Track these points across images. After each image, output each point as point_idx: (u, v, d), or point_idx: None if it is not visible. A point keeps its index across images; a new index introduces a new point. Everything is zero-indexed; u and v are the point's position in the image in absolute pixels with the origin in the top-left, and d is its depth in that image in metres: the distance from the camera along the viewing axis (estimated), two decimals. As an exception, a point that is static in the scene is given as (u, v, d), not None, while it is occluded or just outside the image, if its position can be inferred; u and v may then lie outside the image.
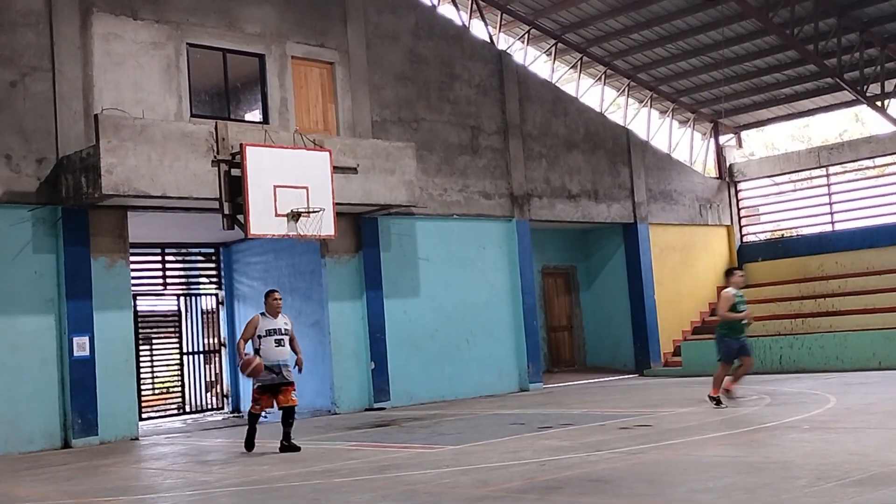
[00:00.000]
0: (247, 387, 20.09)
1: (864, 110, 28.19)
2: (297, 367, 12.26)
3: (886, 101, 23.39)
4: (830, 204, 25.44)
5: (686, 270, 24.93)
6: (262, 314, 12.21)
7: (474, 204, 20.27)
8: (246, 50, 17.46)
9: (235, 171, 15.07)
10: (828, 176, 25.52)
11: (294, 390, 12.13)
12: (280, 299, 12.35)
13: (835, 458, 8.66)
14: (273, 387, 11.99)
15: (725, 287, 14.44)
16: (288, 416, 11.96)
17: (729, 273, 14.84)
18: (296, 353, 12.31)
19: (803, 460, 8.70)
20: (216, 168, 15.04)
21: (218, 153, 15.06)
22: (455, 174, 20.02)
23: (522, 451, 10.51)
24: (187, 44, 16.69)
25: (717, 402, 13.83)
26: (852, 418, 11.91)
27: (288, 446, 11.83)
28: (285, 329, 12.15)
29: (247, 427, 12.38)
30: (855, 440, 9.90)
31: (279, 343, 12.03)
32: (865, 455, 8.80)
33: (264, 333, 12.03)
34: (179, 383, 19.68)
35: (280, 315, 12.23)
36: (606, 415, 13.98)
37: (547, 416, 14.46)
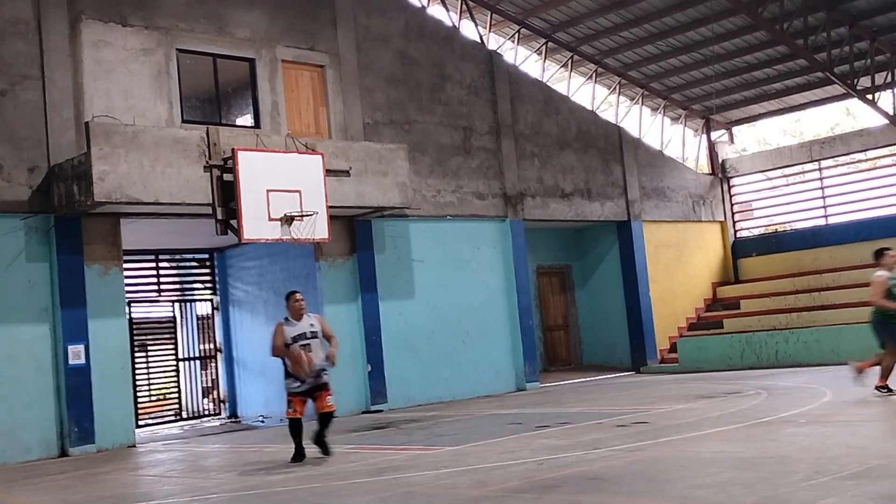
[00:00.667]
0: (243, 392, 20.10)
1: (854, 104, 28.24)
2: (328, 361, 11.36)
3: (877, 95, 23.42)
4: (823, 198, 25.47)
5: (681, 267, 24.96)
6: (286, 319, 11.39)
7: (468, 205, 20.27)
8: (236, 54, 17.45)
9: (228, 176, 15.04)
10: (820, 170, 25.57)
11: (330, 394, 11.39)
12: (302, 300, 11.46)
13: (832, 452, 8.67)
14: (307, 392, 11.32)
15: (875, 268, 13.28)
16: (325, 423, 11.35)
17: (879, 254, 13.34)
18: (329, 344, 11.46)
19: (800, 454, 8.71)
20: (208, 173, 15.02)
21: (210, 158, 15.04)
22: (448, 175, 20.02)
23: (520, 451, 10.51)
24: (177, 49, 16.67)
25: (889, 390, 12.77)
26: (848, 412, 11.94)
27: (321, 443, 11.26)
28: (311, 332, 11.28)
29: (291, 437, 11.37)
30: (851, 433, 9.91)
31: (306, 349, 11.18)
32: (862, 448, 8.82)
33: (290, 341, 11.19)
34: (176, 390, 19.64)
35: (305, 317, 11.39)
36: (604, 413, 13.98)
37: (544, 416, 14.46)
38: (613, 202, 23.41)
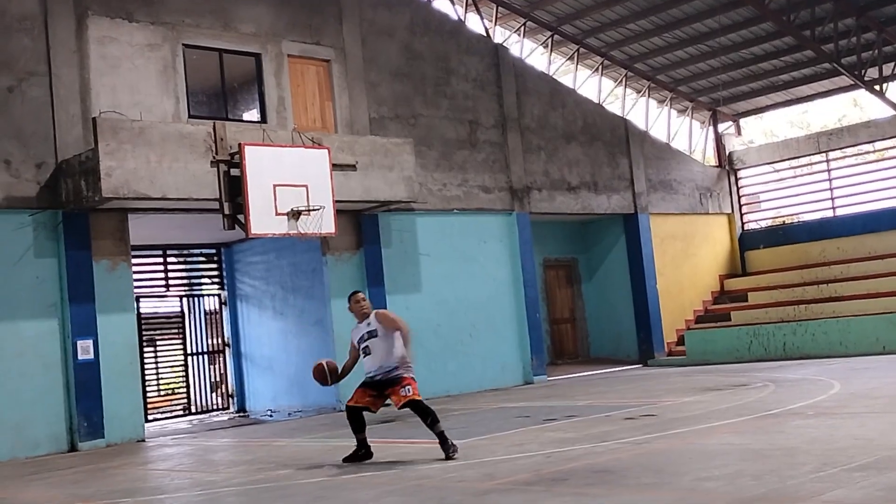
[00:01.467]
0: (251, 386, 20.16)
1: (862, 95, 28.15)
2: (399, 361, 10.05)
3: (884, 85, 23.36)
4: (831, 189, 25.43)
5: (687, 260, 24.93)
6: (357, 324, 10.38)
7: (474, 198, 20.26)
8: (242, 49, 17.46)
9: (234, 171, 15.07)
10: (827, 161, 25.52)
11: (407, 384, 9.89)
12: (362, 300, 10.36)
13: (840, 444, 8.66)
14: (376, 385, 10.08)
15: None
16: (418, 414, 9.91)
17: None
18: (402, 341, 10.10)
19: (808, 446, 8.70)
20: (215, 168, 15.04)
21: (217, 153, 15.06)
22: (454, 169, 20.02)
23: (528, 444, 10.52)
24: (183, 45, 16.68)
25: None
26: (856, 403, 11.92)
27: (445, 452, 9.79)
28: (368, 333, 10.09)
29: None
30: (859, 425, 9.90)
31: (366, 352, 10.08)
32: (870, 440, 8.81)
33: (357, 345, 10.26)
34: (184, 384, 19.70)
35: (368, 317, 10.24)
36: (611, 406, 13.98)
37: (551, 409, 14.47)
38: (620, 195, 23.38)
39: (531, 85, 21.93)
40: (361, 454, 10.30)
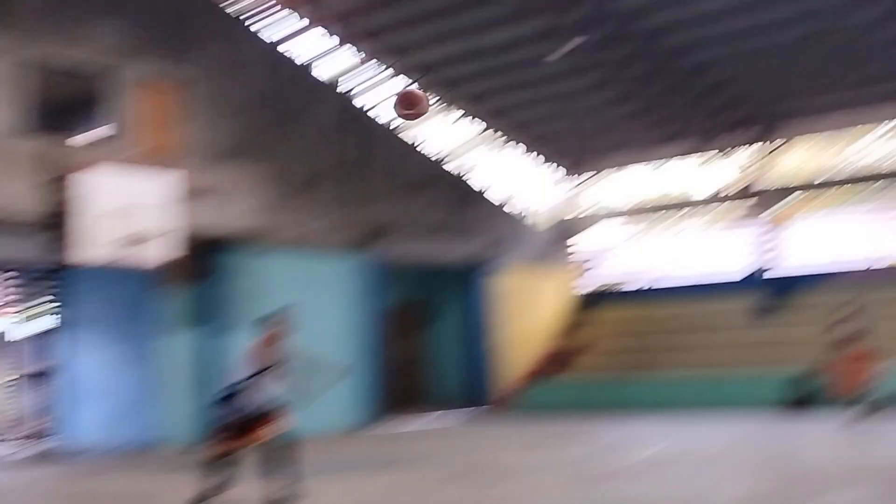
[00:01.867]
0: (78, 414, 19.11)
1: (710, 159, 29.22)
2: None
3: (729, 151, 24.34)
4: (675, 252, 26.17)
5: (533, 311, 25.18)
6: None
7: (322, 237, 19.97)
8: (90, 67, 16.78)
9: (71, 193, 14.35)
10: (672, 224, 26.28)
11: (279, 418, 10.10)
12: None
13: (668, 501, 8.73)
14: (244, 424, 9.95)
15: None
16: (276, 455, 9.98)
17: None
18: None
19: (637, 500, 8.74)
20: (50, 188, 14.31)
21: (53, 173, 14.34)
22: (303, 207, 19.69)
23: (354, 493, 10.25)
24: (27, 58, 15.90)
25: None
26: (686, 458, 12.13)
27: (282, 499, 9.71)
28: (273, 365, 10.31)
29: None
30: (690, 478, 10.04)
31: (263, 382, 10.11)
32: (699, 494, 8.92)
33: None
34: (4, 409, 18.61)
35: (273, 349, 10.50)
36: (447, 455, 13.84)
37: (388, 457, 14.24)
38: (467, 244, 23.51)
39: (382, 131, 21.91)
40: (209, 497, 9.66)
